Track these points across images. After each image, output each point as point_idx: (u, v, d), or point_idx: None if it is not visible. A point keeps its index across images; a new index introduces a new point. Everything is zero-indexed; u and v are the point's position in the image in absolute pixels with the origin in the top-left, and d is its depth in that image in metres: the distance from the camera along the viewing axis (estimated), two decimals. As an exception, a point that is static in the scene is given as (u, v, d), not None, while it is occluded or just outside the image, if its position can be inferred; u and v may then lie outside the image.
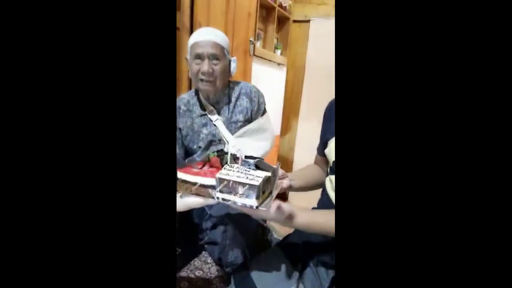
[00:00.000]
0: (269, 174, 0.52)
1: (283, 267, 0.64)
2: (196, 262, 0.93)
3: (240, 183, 0.48)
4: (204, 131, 0.98)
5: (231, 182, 0.49)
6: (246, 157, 0.58)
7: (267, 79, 2.02)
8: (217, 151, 0.63)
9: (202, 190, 0.52)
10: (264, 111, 1.06)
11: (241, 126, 0.99)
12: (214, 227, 0.90)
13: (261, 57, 1.75)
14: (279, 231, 1.28)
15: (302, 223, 0.54)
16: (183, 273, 0.93)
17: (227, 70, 0.94)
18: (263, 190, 0.50)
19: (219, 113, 0.98)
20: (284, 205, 0.52)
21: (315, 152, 0.81)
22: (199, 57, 0.88)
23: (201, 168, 0.57)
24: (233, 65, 0.96)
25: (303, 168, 0.82)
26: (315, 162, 0.82)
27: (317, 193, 0.77)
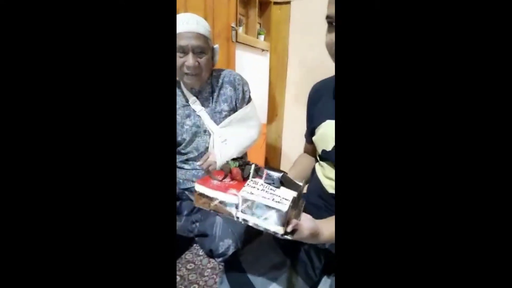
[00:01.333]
0: (295, 194, 0.48)
1: (275, 254, 0.64)
2: (188, 255, 0.92)
3: (266, 206, 0.44)
4: (188, 122, 0.95)
5: (255, 203, 0.45)
6: (269, 168, 0.54)
7: (252, 66, 1.98)
8: (238, 160, 0.57)
9: (221, 207, 0.48)
10: (249, 99, 1.03)
11: (226, 116, 0.96)
12: (203, 218, 0.89)
13: (244, 44, 1.71)
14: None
15: (330, 235, 0.50)
16: (175, 267, 0.92)
17: (211, 60, 0.91)
18: (290, 216, 0.45)
19: (202, 103, 0.95)
20: (304, 223, 0.47)
21: (303, 139, 0.80)
22: (182, 50, 0.84)
23: (221, 180, 0.52)
24: (216, 53, 0.93)
25: (297, 163, 0.78)
26: (305, 151, 0.80)
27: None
